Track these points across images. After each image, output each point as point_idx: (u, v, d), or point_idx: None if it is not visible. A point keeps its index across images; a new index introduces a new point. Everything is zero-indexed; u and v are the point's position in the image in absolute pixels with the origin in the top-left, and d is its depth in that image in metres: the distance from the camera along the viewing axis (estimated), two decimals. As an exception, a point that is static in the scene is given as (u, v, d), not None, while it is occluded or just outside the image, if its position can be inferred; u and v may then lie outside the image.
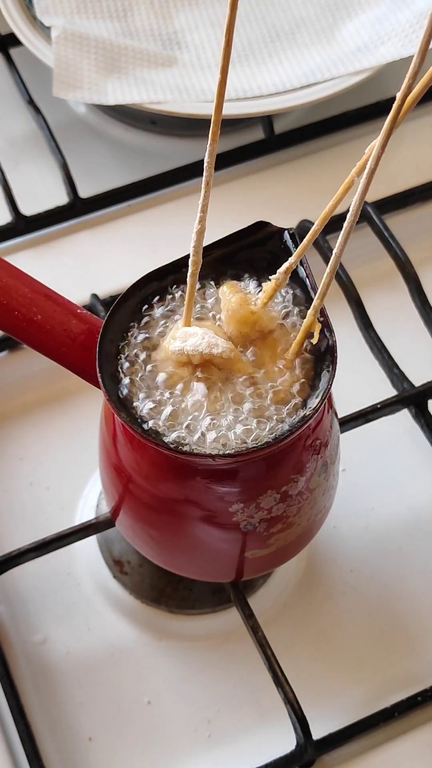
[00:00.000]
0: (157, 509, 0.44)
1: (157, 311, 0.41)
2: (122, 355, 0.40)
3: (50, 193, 0.69)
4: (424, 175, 0.69)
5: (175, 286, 0.41)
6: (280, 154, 0.71)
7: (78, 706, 0.53)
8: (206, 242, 0.40)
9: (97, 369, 0.39)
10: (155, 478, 0.42)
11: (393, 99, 0.33)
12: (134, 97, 0.67)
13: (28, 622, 0.55)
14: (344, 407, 0.56)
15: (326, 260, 0.62)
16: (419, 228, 0.68)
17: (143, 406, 0.39)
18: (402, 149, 0.72)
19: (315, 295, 0.38)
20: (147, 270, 0.41)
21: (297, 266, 0.40)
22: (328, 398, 0.41)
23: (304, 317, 0.40)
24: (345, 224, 0.35)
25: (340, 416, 0.55)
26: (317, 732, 0.49)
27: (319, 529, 0.49)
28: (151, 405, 0.39)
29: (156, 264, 0.41)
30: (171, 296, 0.41)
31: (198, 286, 0.41)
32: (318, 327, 0.39)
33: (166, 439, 0.38)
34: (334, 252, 0.36)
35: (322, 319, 0.39)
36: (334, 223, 0.69)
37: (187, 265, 0.39)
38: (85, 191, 0.68)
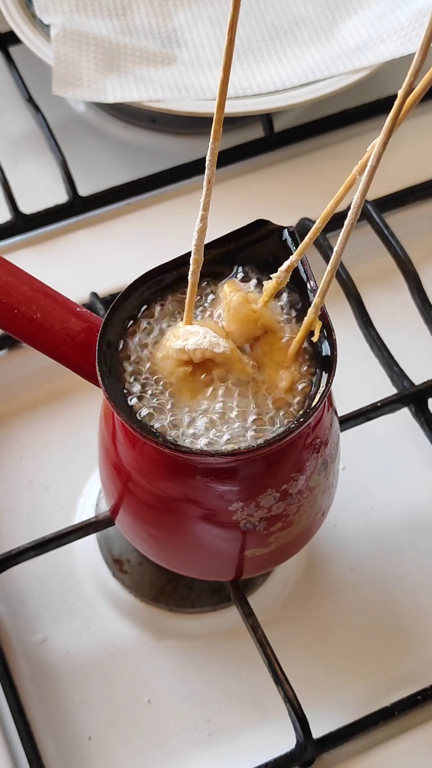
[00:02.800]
0: (157, 508, 0.44)
1: (157, 310, 0.41)
2: (122, 354, 0.40)
3: (50, 191, 0.69)
4: (424, 173, 0.69)
5: (175, 285, 0.41)
6: (280, 152, 0.71)
7: (78, 705, 0.52)
8: (206, 240, 0.40)
9: (97, 367, 0.39)
10: (155, 476, 0.42)
11: (392, 97, 0.33)
12: (133, 95, 0.67)
13: (28, 621, 0.55)
14: (344, 406, 0.56)
15: (326, 259, 0.62)
16: (419, 226, 0.68)
17: (142, 404, 0.39)
18: (402, 147, 0.72)
19: (315, 293, 0.38)
20: (147, 268, 0.41)
21: (297, 265, 0.40)
22: (328, 397, 0.41)
23: (304, 316, 0.40)
24: (346, 222, 0.35)
25: (340, 415, 0.55)
26: (317, 731, 0.49)
27: (319, 527, 0.49)
28: (150, 403, 0.39)
29: (156, 262, 0.41)
30: (171, 295, 0.41)
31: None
32: (318, 325, 0.39)
33: (166, 436, 0.38)
34: (335, 250, 0.36)
35: (322, 317, 0.39)
36: (335, 221, 0.69)
37: (188, 263, 0.39)
38: (84, 189, 0.68)
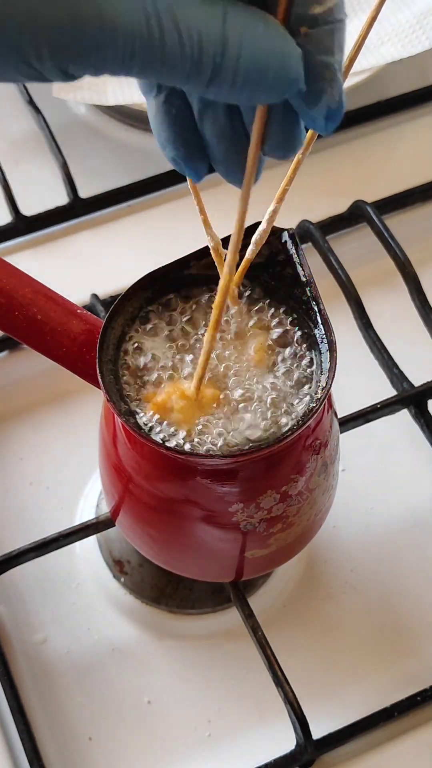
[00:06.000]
0: (157, 509, 0.44)
1: (158, 312, 0.41)
2: (122, 355, 0.40)
3: (50, 193, 0.69)
4: (423, 175, 0.69)
5: (175, 287, 0.41)
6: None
7: (78, 705, 0.53)
8: (204, 243, 0.40)
9: (97, 369, 0.39)
10: (155, 478, 0.42)
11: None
12: (134, 98, 0.67)
13: (28, 622, 0.55)
14: (344, 407, 0.56)
15: (326, 260, 0.62)
16: (419, 228, 0.68)
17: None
18: (402, 149, 0.72)
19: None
20: (147, 270, 0.41)
21: (297, 268, 0.40)
22: (327, 398, 0.41)
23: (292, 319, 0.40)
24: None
25: (339, 416, 0.55)
26: (317, 732, 0.49)
27: (318, 529, 0.49)
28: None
29: (156, 264, 0.41)
30: (171, 297, 0.41)
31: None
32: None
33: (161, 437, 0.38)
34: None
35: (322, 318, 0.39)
36: (334, 224, 0.69)
37: (188, 266, 0.39)
38: (85, 191, 0.68)
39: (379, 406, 0.57)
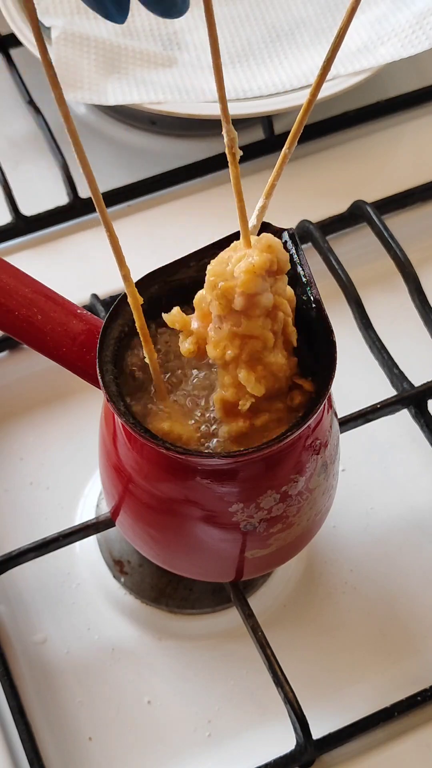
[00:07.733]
0: (157, 509, 0.44)
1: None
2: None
3: (50, 193, 0.69)
4: (423, 175, 0.69)
5: (175, 287, 0.41)
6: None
7: (78, 706, 0.53)
8: (204, 244, 0.40)
9: (98, 369, 0.39)
10: (155, 478, 0.42)
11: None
12: (134, 98, 0.67)
13: (28, 622, 0.55)
14: (344, 407, 0.56)
15: (326, 260, 0.62)
16: (419, 228, 0.68)
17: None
18: (402, 149, 0.72)
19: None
20: (147, 270, 0.41)
21: (297, 268, 0.40)
22: (327, 398, 0.41)
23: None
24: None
25: (339, 416, 0.55)
26: (317, 732, 0.49)
27: (318, 529, 0.49)
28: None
29: (156, 264, 0.41)
30: (171, 297, 0.41)
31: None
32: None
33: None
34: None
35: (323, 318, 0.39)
36: (334, 224, 0.69)
37: (188, 266, 0.39)
38: (85, 191, 0.68)
39: (379, 406, 0.57)
